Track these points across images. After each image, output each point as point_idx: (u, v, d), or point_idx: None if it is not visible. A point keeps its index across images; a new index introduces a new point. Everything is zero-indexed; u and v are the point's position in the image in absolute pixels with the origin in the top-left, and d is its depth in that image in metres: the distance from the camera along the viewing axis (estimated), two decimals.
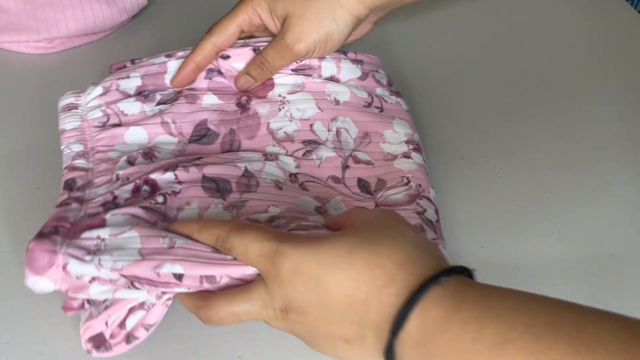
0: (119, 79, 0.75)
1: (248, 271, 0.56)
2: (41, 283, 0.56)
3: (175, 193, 0.64)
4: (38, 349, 0.62)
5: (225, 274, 0.56)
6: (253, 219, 0.63)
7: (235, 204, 0.64)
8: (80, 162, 0.67)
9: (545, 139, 0.84)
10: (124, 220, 0.60)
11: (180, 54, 0.77)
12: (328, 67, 0.79)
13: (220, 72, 0.77)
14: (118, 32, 0.97)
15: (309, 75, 0.78)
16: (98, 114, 0.72)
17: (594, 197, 0.78)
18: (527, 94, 0.90)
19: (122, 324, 0.58)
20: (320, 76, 0.78)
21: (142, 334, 0.59)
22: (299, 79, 0.78)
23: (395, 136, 0.75)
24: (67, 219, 0.60)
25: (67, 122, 0.71)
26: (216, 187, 0.65)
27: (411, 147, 0.74)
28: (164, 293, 0.58)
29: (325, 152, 0.72)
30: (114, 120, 0.72)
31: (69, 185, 0.65)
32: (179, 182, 0.65)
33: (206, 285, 0.56)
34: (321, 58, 0.78)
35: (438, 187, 0.75)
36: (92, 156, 0.68)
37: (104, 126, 0.71)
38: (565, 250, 0.72)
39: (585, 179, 0.79)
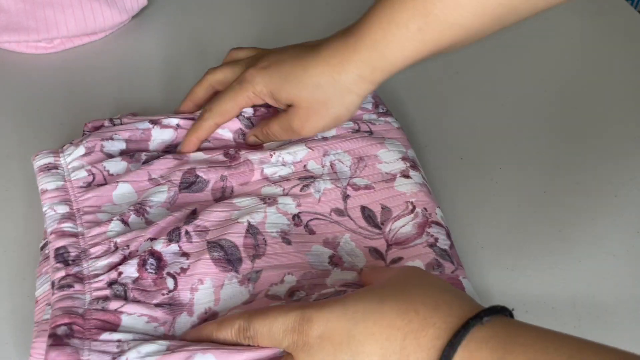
0: (102, 139, 0.72)
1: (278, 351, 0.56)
2: None
3: (184, 270, 0.63)
4: None
5: (256, 358, 0.56)
6: (272, 295, 0.62)
7: (249, 277, 0.64)
8: (68, 226, 0.65)
9: (545, 139, 0.83)
10: (143, 324, 0.59)
11: (165, 121, 0.75)
12: None
13: (205, 139, 0.76)
14: (118, 32, 0.96)
15: None
16: (83, 173, 0.69)
17: (594, 197, 0.77)
18: (526, 94, 0.89)
19: None
20: None
21: None
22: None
23: (389, 154, 0.74)
24: (75, 310, 0.58)
25: (48, 182, 0.69)
26: (225, 255, 0.64)
27: (408, 164, 0.74)
28: None
29: (323, 185, 0.72)
30: (99, 179, 0.70)
31: (63, 257, 0.62)
32: (185, 255, 0.64)
33: None
34: None
35: (438, 188, 0.76)
36: (79, 218, 0.66)
37: (89, 185, 0.69)
38: (566, 250, 0.72)
39: (585, 179, 0.79)
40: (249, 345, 0.57)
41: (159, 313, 0.60)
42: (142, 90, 0.87)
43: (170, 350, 0.56)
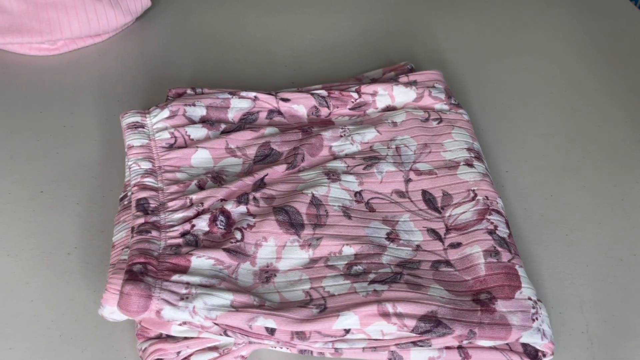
0: (185, 105, 0.77)
1: (335, 326, 0.60)
2: (117, 313, 0.61)
3: (250, 227, 0.67)
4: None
5: (314, 330, 0.60)
6: (331, 265, 0.66)
7: (310, 242, 0.67)
8: (149, 181, 0.70)
9: (551, 142, 0.83)
10: (210, 266, 0.63)
11: (243, 93, 0.80)
12: (382, 99, 0.81)
13: (280, 113, 0.80)
14: (122, 34, 0.97)
15: (365, 111, 0.81)
16: (166, 135, 0.75)
17: (600, 201, 0.77)
18: (532, 96, 0.89)
19: (186, 359, 0.61)
20: (376, 109, 0.81)
21: None
22: (357, 119, 0.81)
23: (455, 144, 0.77)
24: (151, 253, 0.63)
25: (135, 139, 0.74)
26: (289, 219, 0.68)
27: (472, 154, 0.76)
28: (251, 342, 0.61)
29: (386, 167, 0.74)
30: (180, 142, 0.75)
31: (143, 207, 0.67)
32: (252, 215, 0.68)
33: (296, 341, 0.60)
34: (374, 92, 0.81)
35: None
36: (160, 175, 0.71)
37: (171, 147, 0.74)
38: (573, 254, 0.71)
39: (591, 182, 0.79)
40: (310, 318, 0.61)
41: (225, 257, 0.64)
42: (146, 91, 0.89)
43: (234, 307, 0.60)
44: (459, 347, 0.62)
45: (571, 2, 1.05)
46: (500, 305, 0.62)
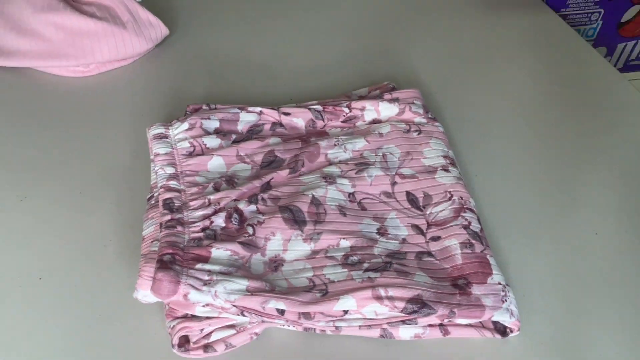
0: (202, 118, 0.78)
1: (335, 308, 0.61)
2: (149, 296, 0.62)
3: (260, 223, 0.67)
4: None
5: (318, 311, 0.61)
6: (330, 256, 0.66)
7: (312, 236, 0.67)
8: (173, 183, 0.71)
9: (514, 150, 0.84)
10: (227, 257, 0.64)
11: (250, 108, 0.81)
12: (369, 113, 0.82)
13: (282, 125, 0.81)
14: (144, 58, 0.98)
15: (355, 124, 0.82)
16: (186, 144, 0.75)
17: (556, 200, 0.77)
18: (495, 111, 0.90)
19: (208, 335, 0.61)
20: (364, 122, 0.82)
21: (220, 349, 0.61)
22: (348, 131, 0.81)
23: (432, 152, 0.77)
24: (178, 245, 0.64)
25: (160, 148, 0.75)
26: (293, 217, 0.68)
27: (447, 161, 0.76)
28: (264, 321, 0.62)
29: (375, 171, 0.74)
30: (198, 150, 0.75)
31: (169, 206, 0.68)
32: (261, 213, 0.69)
33: (302, 320, 0.61)
34: (362, 107, 0.82)
35: None
36: (181, 179, 0.72)
37: (190, 155, 0.74)
38: (535, 245, 0.73)
39: (548, 184, 0.79)
40: (314, 301, 0.62)
41: (239, 249, 0.65)
42: (167, 107, 0.89)
43: (249, 291, 0.61)
44: (440, 325, 0.63)
45: (528, 34, 1.06)
46: (475, 289, 0.63)
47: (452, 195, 0.72)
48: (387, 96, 0.83)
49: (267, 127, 0.80)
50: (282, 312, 0.61)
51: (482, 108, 0.90)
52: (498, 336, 0.63)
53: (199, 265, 0.62)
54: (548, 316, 0.66)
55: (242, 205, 0.69)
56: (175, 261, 0.62)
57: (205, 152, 0.75)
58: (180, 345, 0.61)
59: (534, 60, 0.99)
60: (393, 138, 0.79)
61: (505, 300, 0.62)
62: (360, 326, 0.62)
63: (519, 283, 0.68)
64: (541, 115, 0.89)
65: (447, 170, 0.75)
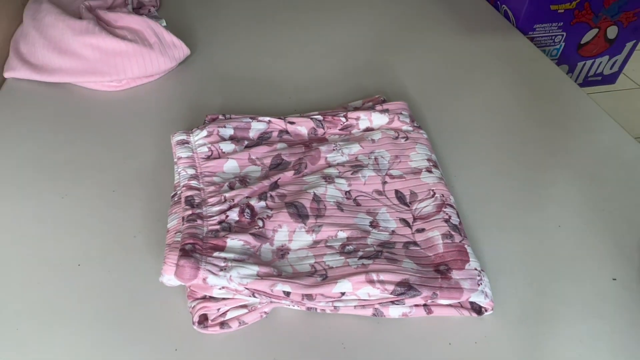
0: (218, 126, 0.78)
1: (334, 290, 0.61)
2: (173, 280, 0.62)
3: (269, 217, 0.67)
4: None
5: (319, 293, 0.61)
6: (329, 246, 0.66)
7: (313, 229, 0.67)
8: (194, 183, 0.71)
9: (489, 153, 0.84)
10: (240, 246, 0.64)
11: (260, 118, 0.80)
12: (363, 122, 0.82)
13: (287, 132, 0.81)
14: (168, 75, 0.98)
15: (350, 132, 0.82)
16: (205, 149, 0.75)
17: (525, 196, 0.78)
18: (473, 120, 0.90)
19: (223, 314, 0.61)
20: (359, 129, 0.82)
21: (234, 326, 0.61)
22: (345, 137, 0.81)
23: (418, 156, 0.77)
24: (197, 235, 0.64)
25: (182, 152, 0.75)
26: (297, 212, 0.68)
27: (431, 164, 0.76)
28: (272, 302, 0.62)
29: (368, 172, 0.74)
30: (215, 154, 0.75)
31: (190, 202, 0.68)
32: (270, 209, 0.69)
33: (305, 301, 0.61)
34: (357, 117, 0.81)
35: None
36: (201, 179, 0.72)
37: (208, 158, 0.74)
38: (506, 236, 0.73)
39: (518, 183, 0.80)
40: (315, 284, 0.62)
41: (251, 239, 0.65)
42: (188, 117, 0.89)
43: (259, 276, 0.61)
44: (425, 305, 0.63)
45: (500, 54, 1.06)
46: (455, 274, 0.63)
47: (434, 193, 0.72)
48: (378, 107, 0.84)
49: (275, 134, 0.80)
50: (287, 293, 0.61)
51: (461, 117, 0.90)
52: (475, 315, 0.63)
53: (216, 254, 0.62)
54: (517, 297, 0.66)
55: (253, 202, 0.69)
56: (195, 250, 0.62)
57: (222, 156, 0.75)
58: (199, 323, 0.61)
59: (505, 76, 1.00)
60: (384, 144, 0.79)
61: (481, 284, 0.63)
62: (355, 306, 0.62)
63: (492, 269, 0.68)
64: (512, 123, 0.89)
65: (430, 172, 0.75)
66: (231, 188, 0.71)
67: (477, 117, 0.91)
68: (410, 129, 0.81)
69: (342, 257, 0.65)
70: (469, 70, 1.01)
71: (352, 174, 0.74)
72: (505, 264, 0.69)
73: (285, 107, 0.91)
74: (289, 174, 0.73)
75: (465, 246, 0.66)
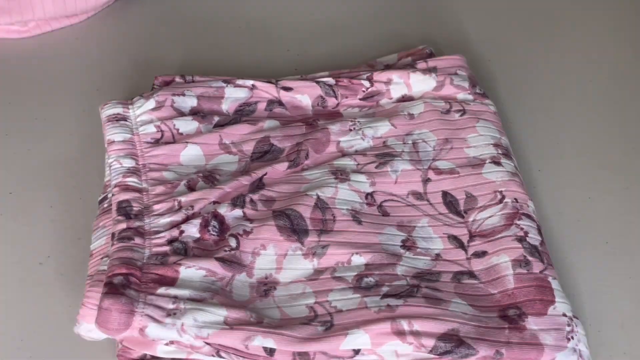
0: (173, 94, 0.78)
1: (343, 346, 0.60)
2: (95, 332, 0.61)
3: (247, 233, 0.67)
4: None
5: (319, 350, 0.60)
6: (339, 277, 0.66)
7: (315, 251, 0.67)
8: (132, 181, 0.71)
9: (591, 137, 0.83)
10: (200, 278, 0.64)
11: (239, 81, 0.80)
12: (397, 88, 0.82)
13: (281, 103, 0.80)
14: (102, 14, 0.98)
15: (378, 102, 0.81)
16: (151, 128, 0.75)
17: None
18: (569, 84, 0.90)
19: None
20: (390, 99, 0.81)
21: None
22: (369, 111, 0.81)
23: (480, 139, 0.77)
24: (134, 262, 0.63)
25: (116, 133, 0.74)
26: (290, 225, 0.68)
27: (500, 151, 0.76)
28: None
29: (402, 165, 0.74)
30: (168, 136, 0.75)
31: (125, 211, 0.68)
32: (249, 220, 0.69)
33: None
34: (388, 80, 0.81)
35: None
36: (144, 174, 0.72)
37: (157, 142, 0.75)
38: (614, 265, 0.72)
39: (636, 184, 0.79)
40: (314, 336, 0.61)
41: (218, 267, 0.64)
42: (130, 79, 0.89)
43: (228, 324, 0.60)
44: None
45: None
46: (531, 323, 0.62)
47: (503, 197, 0.72)
48: (421, 65, 0.83)
49: (262, 106, 0.80)
50: (271, 351, 0.60)
51: (551, 81, 0.90)
52: None
53: (161, 290, 0.62)
54: (632, 358, 0.65)
55: (223, 210, 0.69)
56: (129, 284, 0.61)
57: (178, 139, 0.75)
58: None
59: (616, 19, 0.99)
60: (427, 120, 0.78)
61: (572, 338, 0.62)
62: None
63: (592, 315, 0.68)
64: (631, 91, 0.89)
65: (498, 163, 0.75)
66: (190, 189, 0.71)
67: (575, 80, 0.90)
68: (470, 97, 0.81)
69: (358, 295, 0.64)
70: (566, 7, 1.01)
71: (377, 167, 0.74)
72: (612, 307, 0.68)
73: (279, 64, 0.91)
74: (281, 167, 0.73)
75: (549, 279, 0.65)
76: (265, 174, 0.72)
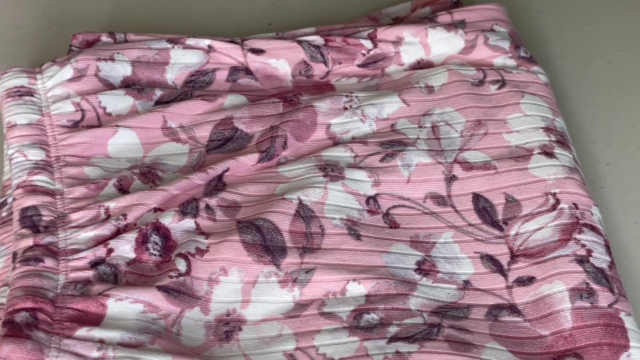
0: (99, 59, 0.78)
1: None
2: None
3: (201, 252, 0.67)
4: None
5: None
6: (328, 313, 0.66)
7: (296, 277, 0.67)
8: (41, 179, 0.70)
9: None
10: (137, 314, 0.63)
11: (190, 41, 0.81)
12: (410, 50, 0.82)
13: (249, 72, 0.81)
14: None
15: (383, 69, 0.81)
16: (68, 107, 0.75)
17: None
18: None
19: None
20: (401, 65, 0.82)
21: None
22: (371, 82, 0.81)
23: (525, 121, 0.77)
24: (44, 293, 0.63)
25: (19, 114, 0.74)
26: (262, 240, 0.68)
27: (553, 137, 0.76)
28: None
29: (417, 157, 0.74)
30: (91, 117, 0.75)
31: (32, 222, 0.68)
32: (205, 234, 0.68)
33: None
34: (398, 39, 0.81)
35: None
36: (58, 170, 0.71)
37: (76, 126, 0.74)
38: None
39: None
40: None
41: (161, 300, 0.64)
42: (39, 37, 0.91)
43: None
44: None
45: None
46: None
47: (558, 201, 0.72)
48: (444, 17, 0.84)
49: (222, 75, 0.81)
50: None
51: (622, 40, 0.91)
52: None
53: (82, 332, 0.61)
54: None
55: (168, 220, 0.69)
56: (37, 323, 0.61)
57: (105, 121, 0.75)
58: None
59: None
60: (453, 95, 0.78)
61: None
62: None
63: None
64: None
65: (550, 155, 0.75)
66: (122, 191, 0.71)
67: None
68: (512, 62, 0.81)
69: (355, 338, 0.64)
70: None
71: (382, 160, 0.74)
72: None
73: (247, 17, 0.92)
74: (249, 160, 0.74)
75: (622, 315, 0.65)
76: (226, 170, 0.73)
